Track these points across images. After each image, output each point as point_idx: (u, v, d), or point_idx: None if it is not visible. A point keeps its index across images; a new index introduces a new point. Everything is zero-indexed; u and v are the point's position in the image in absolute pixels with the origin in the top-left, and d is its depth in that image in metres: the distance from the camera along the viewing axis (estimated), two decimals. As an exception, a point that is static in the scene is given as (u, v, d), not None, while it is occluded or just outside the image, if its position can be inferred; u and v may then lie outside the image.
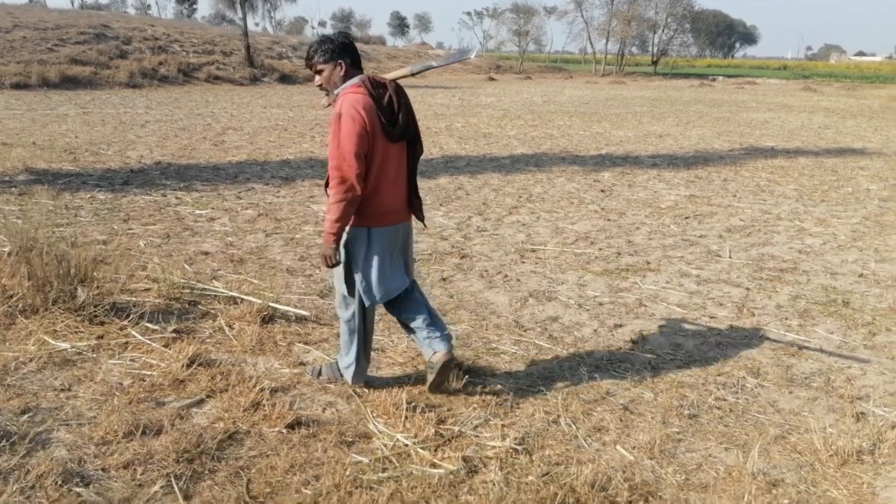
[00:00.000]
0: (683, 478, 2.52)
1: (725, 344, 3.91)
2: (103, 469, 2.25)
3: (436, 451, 2.53)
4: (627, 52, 55.10)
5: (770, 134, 15.19)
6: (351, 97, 2.71)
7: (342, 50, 2.81)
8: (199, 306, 4.00)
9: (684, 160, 11.03)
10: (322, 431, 2.63)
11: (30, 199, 6.88)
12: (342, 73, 2.81)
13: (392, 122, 2.77)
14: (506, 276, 5.12)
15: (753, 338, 4.02)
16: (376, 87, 2.78)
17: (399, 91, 2.83)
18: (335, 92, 2.82)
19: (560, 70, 57.54)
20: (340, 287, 2.96)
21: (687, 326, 4.19)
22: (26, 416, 2.59)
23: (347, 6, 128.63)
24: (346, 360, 3.08)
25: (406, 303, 3.05)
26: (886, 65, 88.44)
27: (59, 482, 2.14)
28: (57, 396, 2.77)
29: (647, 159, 11.09)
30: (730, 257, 5.73)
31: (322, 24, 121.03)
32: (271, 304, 3.99)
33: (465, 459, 2.48)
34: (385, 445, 2.56)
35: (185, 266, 4.90)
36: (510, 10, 67.05)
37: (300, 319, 3.97)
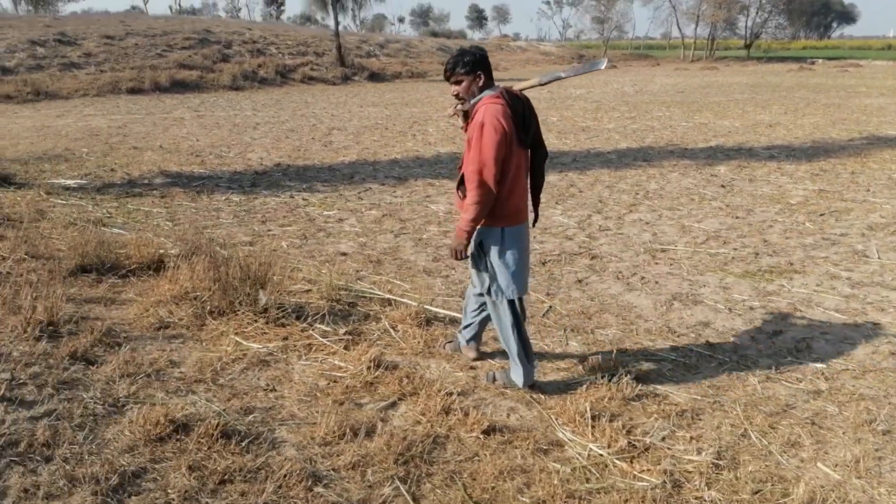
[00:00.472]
0: None
1: (899, 353, 3.73)
2: (334, 469, 2.42)
3: (632, 462, 2.57)
4: (719, 35, 52.76)
5: (890, 121, 14.20)
6: (492, 107, 2.92)
7: (480, 63, 3.01)
8: (358, 308, 4.18)
9: (803, 151, 10.50)
10: (516, 438, 2.71)
11: (172, 202, 7.37)
12: (480, 84, 3.02)
13: (526, 131, 3.01)
14: (642, 277, 5.07)
15: (928, 346, 3.82)
16: (513, 98, 3.00)
17: (528, 102, 3.06)
18: (472, 101, 3.03)
19: (646, 57, 55.84)
20: (482, 289, 3.16)
21: (851, 333, 4.02)
22: (250, 416, 2.81)
23: (426, 1, 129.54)
24: (515, 367, 3.21)
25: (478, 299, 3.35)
26: None
27: (304, 482, 2.31)
28: (266, 396, 2.99)
29: (762, 151, 10.64)
30: (879, 258, 5.44)
31: (401, 20, 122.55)
32: (426, 306, 4.12)
33: (666, 473, 2.50)
34: (580, 455, 2.62)
35: (330, 268, 5.13)
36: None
37: (454, 321, 4.08)
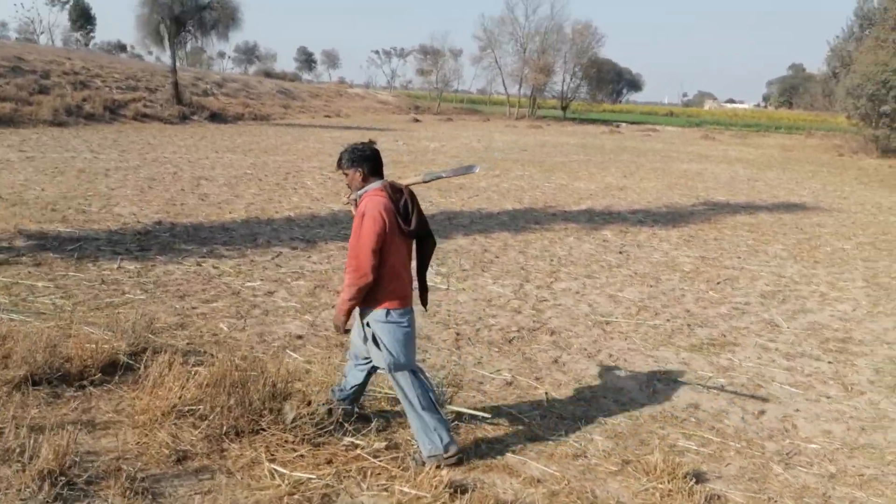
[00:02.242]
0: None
1: (871, 429, 4.21)
2: None
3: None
4: (539, 96, 57.58)
5: (713, 187, 16.38)
6: (374, 199, 3.22)
7: (363, 159, 3.32)
8: (367, 409, 3.82)
9: (664, 217, 11.69)
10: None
11: (52, 271, 6.27)
12: (360, 179, 3.32)
13: (407, 222, 3.28)
14: (610, 355, 5.24)
15: (885, 418, 4.36)
16: (395, 192, 3.30)
17: (412, 196, 3.35)
18: (358, 193, 3.33)
19: (475, 112, 59.19)
20: (383, 364, 3.31)
21: (817, 410, 4.46)
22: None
23: (251, 38, 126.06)
24: (425, 445, 3.29)
25: (364, 370, 3.53)
26: (759, 113, 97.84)
27: None
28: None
29: (630, 215, 11.66)
30: (787, 327, 6.16)
31: (222, 55, 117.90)
32: (451, 407, 3.86)
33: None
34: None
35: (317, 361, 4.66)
36: (417, 51, 68.66)
37: (473, 421, 3.88)
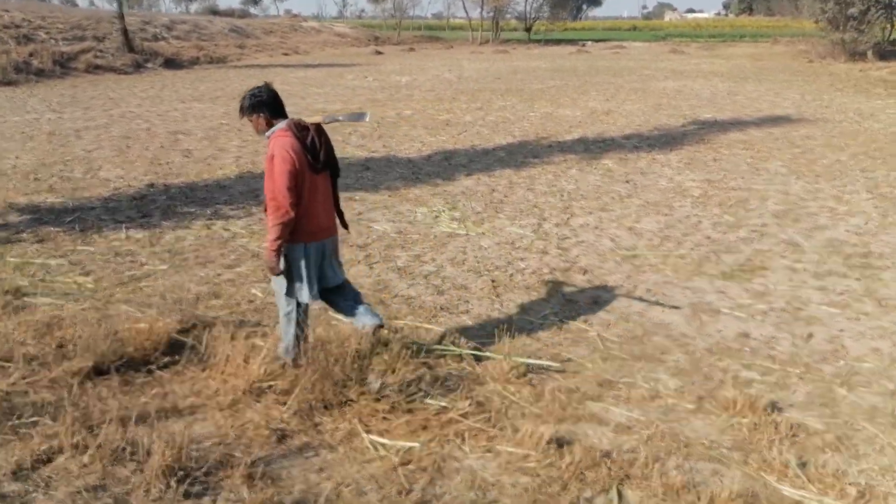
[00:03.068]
0: None
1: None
2: None
3: None
4: (501, 18, 55.98)
5: (697, 105, 16.28)
6: (281, 140, 3.36)
7: (262, 104, 3.43)
8: (435, 369, 3.78)
9: (658, 140, 11.62)
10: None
11: (60, 246, 6.00)
12: (265, 122, 3.46)
13: (315, 158, 3.43)
14: (647, 289, 5.26)
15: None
16: (301, 130, 3.43)
17: (319, 131, 3.50)
18: (266, 135, 3.47)
19: (437, 39, 57.44)
20: (281, 290, 3.58)
21: (860, 329, 4.57)
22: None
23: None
24: (284, 343, 3.64)
25: (341, 294, 3.78)
26: (722, 21, 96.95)
27: None
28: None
29: (624, 141, 11.57)
30: (808, 245, 6.24)
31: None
32: (518, 358, 3.84)
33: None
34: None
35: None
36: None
37: (547, 371, 3.88)
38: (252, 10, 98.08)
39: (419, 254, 6.04)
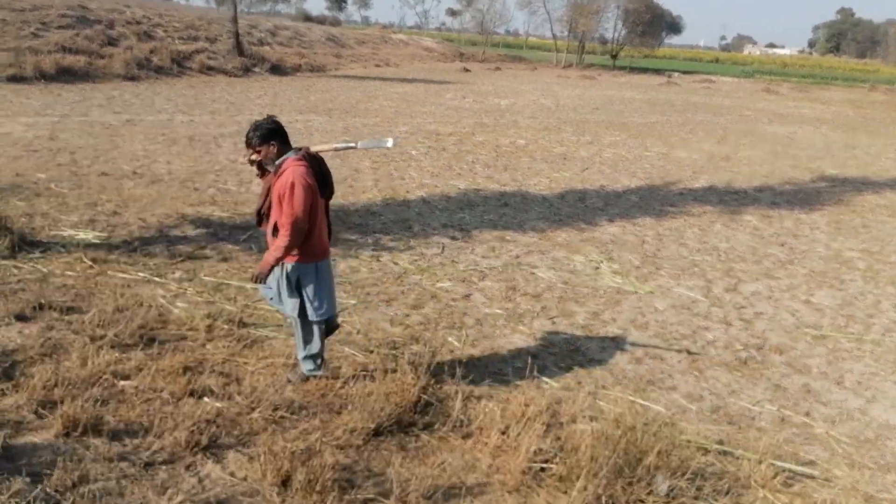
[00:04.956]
0: None
1: None
2: None
3: None
4: (587, 43, 55.72)
5: (815, 156, 15.72)
6: (298, 168, 3.64)
7: (273, 133, 3.71)
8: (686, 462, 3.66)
9: (793, 196, 11.23)
10: None
11: (242, 267, 6.16)
12: (275, 151, 3.71)
13: (324, 185, 3.87)
14: (858, 382, 5.02)
15: None
16: (313, 160, 3.78)
17: (322, 161, 3.90)
18: (276, 163, 3.71)
19: (520, 59, 57.57)
20: (294, 311, 3.87)
21: None
22: None
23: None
24: (305, 353, 3.98)
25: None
26: (806, 59, 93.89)
27: None
28: None
29: (757, 194, 11.24)
30: None
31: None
32: (775, 462, 3.68)
33: None
34: None
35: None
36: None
37: (805, 475, 3.72)
38: (340, 15, 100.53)
39: (596, 311, 5.95)
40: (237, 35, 26.11)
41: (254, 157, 3.75)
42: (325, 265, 3.89)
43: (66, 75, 18.24)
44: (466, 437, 3.49)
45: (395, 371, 3.85)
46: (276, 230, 3.72)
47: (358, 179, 10.15)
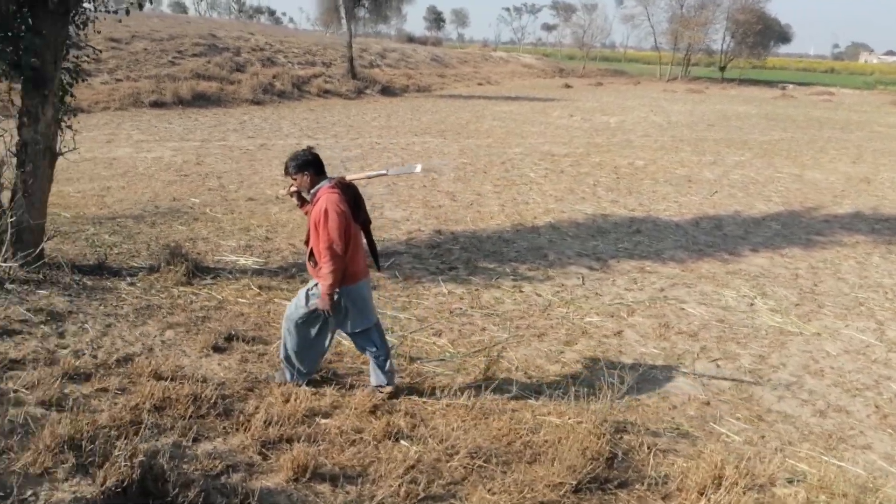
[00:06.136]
0: None
1: None
2: None
3: None
4: (693, 55, 53.87)
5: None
6: (331, 196, 3.83)
7: (308, 163, 3.94)
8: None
9: (955, 225, 10.27)
10: None
11: (393, 295, 6.28)
12: (309, 180, 3.94)
13: (357, 211, 4.02)
14: None
15: None
16: (345, 188, 3.95)
17: (355, 188, 4.06)
18: (311, 191, 3.94)
19: (621, 73, 56.49)
20: (363, 326, 4.15)
21: None
22: None
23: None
24: (379, 375, 4.29)
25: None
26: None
27: None
28: None
29: (912, 222, 10.36)
30: None
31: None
32: None
33: None
34: None
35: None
36: (549, 6, 66.17)
37: None
38: (435, 34, 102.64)
39: (762, 354, 5.62)
40: (351, 59, 27.14)
41: (293, 187, 4.01)
42: (365, 285, 4.14)
43: (200, 100, 19.58)
44: (666, 497, 3.36)
45: (580, 423, 3.76)
46: (311, 256, 3.98)
47: (483, 204, 10.19)
